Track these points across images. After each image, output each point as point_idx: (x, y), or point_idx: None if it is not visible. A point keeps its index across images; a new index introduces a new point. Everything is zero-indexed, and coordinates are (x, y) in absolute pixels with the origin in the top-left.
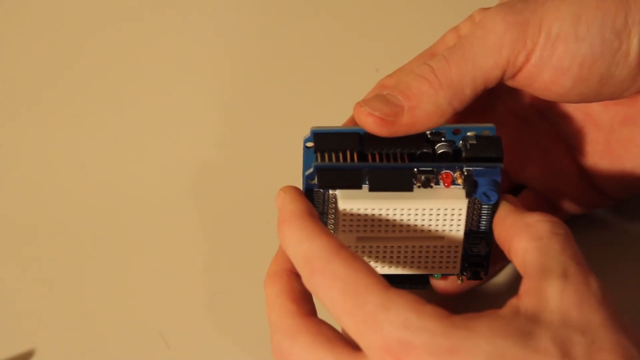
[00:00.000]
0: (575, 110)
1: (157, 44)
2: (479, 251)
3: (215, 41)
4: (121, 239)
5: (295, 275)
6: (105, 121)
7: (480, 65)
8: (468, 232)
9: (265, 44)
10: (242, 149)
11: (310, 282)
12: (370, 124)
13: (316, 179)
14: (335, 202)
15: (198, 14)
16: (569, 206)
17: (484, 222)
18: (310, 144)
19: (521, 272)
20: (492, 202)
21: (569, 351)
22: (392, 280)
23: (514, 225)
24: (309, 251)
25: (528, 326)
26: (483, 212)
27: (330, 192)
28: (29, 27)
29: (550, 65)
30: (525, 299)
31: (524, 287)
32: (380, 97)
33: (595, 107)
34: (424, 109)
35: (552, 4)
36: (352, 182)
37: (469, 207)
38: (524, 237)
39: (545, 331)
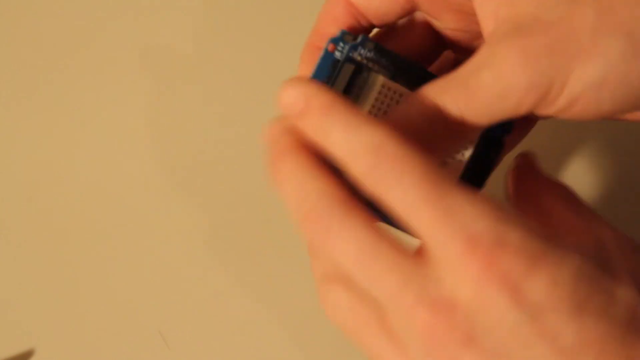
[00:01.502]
0: None
1: (147, 39)
2: None
3: (213, 37)
4: (121, 239)
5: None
6: (98, 118)
7: (496, 115)
8: None
9: (264, 39)
10: (242, 148)
11: (375, 172)
12: None
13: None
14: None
15: (197, 10)
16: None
17: None
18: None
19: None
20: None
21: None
22: None
23: None
24: (375, 138)
25: (604, 254)
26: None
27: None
28: (11, 28)
29: (569, 112)
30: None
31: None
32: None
33: None
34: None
35: (580, 62)
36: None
37: None
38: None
39: (620, 261)
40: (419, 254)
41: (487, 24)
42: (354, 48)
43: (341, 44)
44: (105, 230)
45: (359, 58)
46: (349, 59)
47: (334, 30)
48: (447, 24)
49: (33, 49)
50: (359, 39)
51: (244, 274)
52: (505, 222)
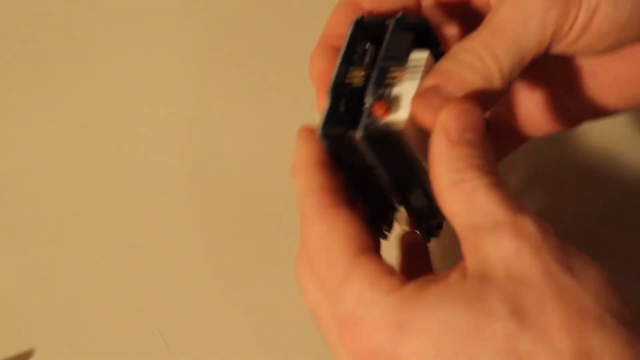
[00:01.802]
0: None
1: (153, 39)
2: None
3: (215, 36)
4: (121, 239)
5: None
6: (100, 119)
7: (525, 49)
8: None
9: (265, 36)
10: (243, 148)
11: (302, 241)
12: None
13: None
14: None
15: (198, 9)
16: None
17: None
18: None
19: (457, 234)
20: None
21: (520, 307)
22: None
23: (443, 185)
24: (303, 208)
25: (475, 288)
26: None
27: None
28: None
29: (589, 33)
30: (468, 259)
31: (464, 248)
32: (434, 92)
33: None
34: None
35: None
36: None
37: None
38: (453, 199)
39: (492, 290)
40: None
41: None
42: (401, 19)
43: (376, 20)
44: (105, 230)
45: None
46: (404, 27)
47: (344, 32)
48: (452, 31)
49: (43, 50)
50: (398, 14)
51: (245, 274)
52: (365, 302)
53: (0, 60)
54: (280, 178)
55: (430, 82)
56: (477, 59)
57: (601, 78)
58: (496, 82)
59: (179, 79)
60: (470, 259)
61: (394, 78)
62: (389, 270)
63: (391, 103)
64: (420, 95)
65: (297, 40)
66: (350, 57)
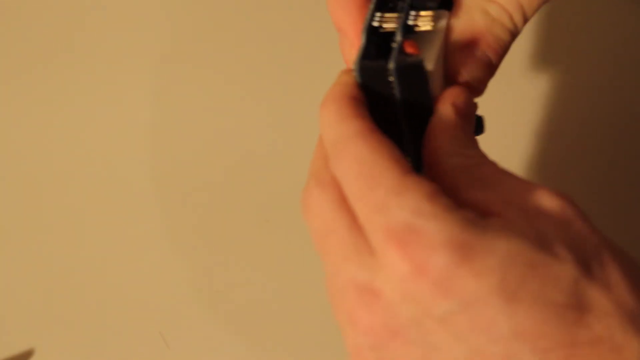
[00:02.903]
0: None
1: (145, 34)
2: None
3: (217, 33)
4: (121, 239)
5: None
6: (90, 120)
7: None
8: None
9: (266, 35)
10: (244, 149)
11: (333, 166)
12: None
13: None
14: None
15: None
16: None
17: None
18: None
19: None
20: None
21: (584, 257)
22: None
23: (446, 158)
24: (338, 133)
25: (537, 231)
26: None
27: None
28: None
29: None
30: (506, 213)
31: (493, 206)
32: (470, 53)
33: None
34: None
35: None
36: None
37: None
38: (459, 172)
39: (556, 236)
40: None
41: None
42: None
43: None
44: (106, 230)
45: None
46: None
47: None
48: None
49: (30, 46)
50: None
51: (245, 274)
52: (424, 214)
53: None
54: (282, 180)
55: (461, 39)
56: (507, 17)
57: None
58: (519, 29)
59: (165, 79)
60: (511, 213)
61: (423, 22)
62: (441, 191)
63: (420, 44)
64: (453, 57)
65: (294, 37)
66: (382, 3)
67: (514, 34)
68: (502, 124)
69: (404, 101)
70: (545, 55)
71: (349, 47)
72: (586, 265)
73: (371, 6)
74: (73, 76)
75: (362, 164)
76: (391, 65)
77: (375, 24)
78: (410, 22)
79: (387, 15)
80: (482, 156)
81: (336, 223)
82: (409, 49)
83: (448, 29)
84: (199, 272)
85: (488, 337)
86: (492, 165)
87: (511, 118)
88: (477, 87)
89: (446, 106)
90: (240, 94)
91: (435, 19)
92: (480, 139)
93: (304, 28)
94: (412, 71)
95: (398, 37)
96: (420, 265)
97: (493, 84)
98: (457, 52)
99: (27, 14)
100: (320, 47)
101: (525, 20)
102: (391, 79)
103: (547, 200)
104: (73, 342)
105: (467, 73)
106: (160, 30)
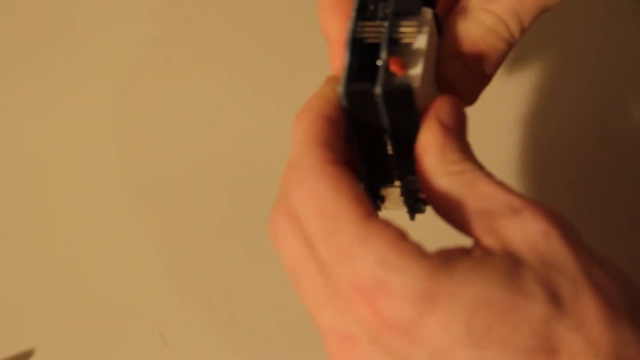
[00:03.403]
0: None
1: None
2: None
3: (212, 28)
4: (121, 238)
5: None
6: (91, 117)
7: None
8: None
9: (267, 36)
10: (243, 150)
11: (292, 193)
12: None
13: None
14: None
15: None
16: None
17: None
18: None
19: (461, 222)
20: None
21: (556, 293)
22: None
23: (437, 177)
24: (299, 157)
25: (507, 267)
26: None
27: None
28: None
29: None
30: (486, 241)
31: (477, 232)
32: (460, 64)
33: None
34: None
35: None
36: None
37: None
38: (452, 190)
39: (526, 271)
40: None
41: None
42: None
43: None
44: (105, 230)
45: None
46: None
47: None
48: None
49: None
50: None
51: (245, 274)
52: (390, 265)
53: None
54: (278, 176)
55: (454, 49)
56: (503, 26)
57: None
58: (516, 39)
59: (160, 76)
60: (489, 241)
61: (406, 33)
62: (405, 235)
63: (405, 59)
64: (445, 66)
65: (293, 33)
66: (363, 11)
67: (510, 44)
68: (490, 121)
69: (391, 121)
70: (537, 54)
71: (334, 56)
72: (559, 302)
73: (352, 15)
74: (58, 73)
75: (321, 200)
76: (378, 90)
77: (358, 35)
78: (394, 36)
79: (370, 25)
80: (474, 170)
81: (306, 265)
82: (394, 68)
83: (433, 33)
84: (199, 271)
85: None
86: (483, 180)
87: (500, 115)
88: (469, 97)
89: (431, 123)
90: (237, 91)
91: (420, 25)
92: (471, 135)
93: (302, 27)
94: (400, 95)
95: (383, 55)
96: (389, 318)
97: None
98: (449, 61)
99: (10, 10)
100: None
101: (523, 29)
102: (377, 100)
103: (530, 224)
104: (73, 342)
105: (459, 83)
106: (150, 25)
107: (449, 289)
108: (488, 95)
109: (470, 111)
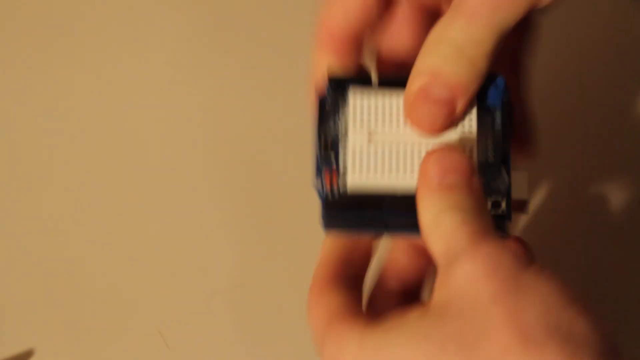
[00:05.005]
0: None
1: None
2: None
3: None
4: (121, 238)
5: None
6: (107, 116)
7: (506, 25)
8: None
9: (273, 39)
10: (244, 152)
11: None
12: (424, 132)
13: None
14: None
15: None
16: None
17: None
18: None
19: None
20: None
21: (468, 338)
22: None
23: (425, 228)
24: (320, 325)
25: (431, 323)
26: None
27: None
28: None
29: None
30: (434, 294)
31: (435, 285)
32: (425, 98)
33: None
34: (471, 89)
35: None
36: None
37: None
38: (434, 241)
39: (446, 323)
40: None
41: None
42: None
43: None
44: (105, 231)
45: None
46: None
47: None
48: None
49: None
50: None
51: (245, 274)
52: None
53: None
54: (281, 182)
55: (416, 84)
56: (459, 52)
57: None
58: (482, 65)
59: (182, 72)
60: (436, 294)
61: (332, 139)
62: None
63: (338, 166)
64: (411, 106)
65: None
66: (321, 131)
67: (473, 68)
68: None
69: (365, 216)
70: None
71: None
72: (469, 346)
73: (315, 153)
74: (58, 73)
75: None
76: (321, 221)
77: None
78: (323, 144)
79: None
80: (453, 217)
81: None
82: (329, 180)
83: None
84: (199, 271)
85: None
86: (455, 229)
87: None
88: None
89: (419, 177)
90: (237, 91)
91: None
92: None
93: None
94: (346, 202)
95: (322, 170)
96: None
97: None
98: (409, 103)
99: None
100: None
101: (486, 54)
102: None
103: (464, 267)
104: (73, 342)
105: (420, 127)
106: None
107: (375, 357)
108: None
109: None
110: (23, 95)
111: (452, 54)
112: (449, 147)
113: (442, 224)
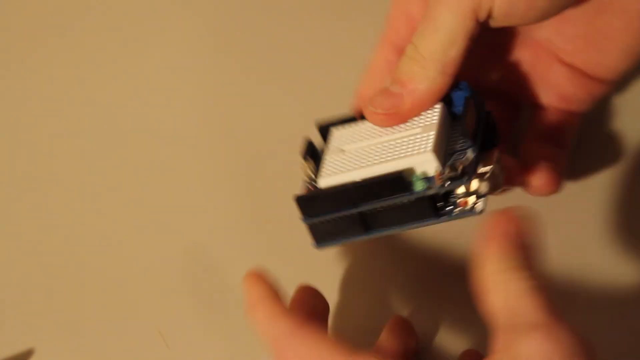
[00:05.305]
0: None
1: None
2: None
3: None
4: (120, 238)
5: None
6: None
7: (451, 26)
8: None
9: (269, 37)
10: (244, 152)
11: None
12: (379, 122)
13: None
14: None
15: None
16: (552, 98)
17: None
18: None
19: (493, 330)
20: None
21: None
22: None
23: (489, 282)
24: (275, 332)
25: None
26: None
27: None
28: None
29: (516, 3)
30: (497, 357)
31: (496, 345)
32: (382, 92)
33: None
34: (420, 89)
35: None
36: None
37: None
38: (497, 297)
39: None
40: None
41: None
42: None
43: None
44: (105, 230)
45: None
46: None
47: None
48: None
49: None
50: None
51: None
52: None
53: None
54: (278, 182)
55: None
56: (413, 49)
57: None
58: (444, 73)
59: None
60: (500, 357)
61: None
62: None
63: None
64: (369, 100)
65: (306, 44)
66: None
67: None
68: None
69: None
70: None
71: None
72: None
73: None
74: (58, 73)
75: (310, 355)
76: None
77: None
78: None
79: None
80: (522, 279)
81: None
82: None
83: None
84: (199, 271)
85: None
86: (524, 293)
87: None
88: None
89: (491, 232)
90: (237, 90)
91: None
92: None
93: (312, 23)
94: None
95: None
96: None
97: None
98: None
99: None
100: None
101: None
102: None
103: (536, 344)
104: (73, 342)
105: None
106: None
107: None
108: None
109: None
110: (23, 95)
111: (406, 60)
112: (523, 211)
113: (510, 282)
